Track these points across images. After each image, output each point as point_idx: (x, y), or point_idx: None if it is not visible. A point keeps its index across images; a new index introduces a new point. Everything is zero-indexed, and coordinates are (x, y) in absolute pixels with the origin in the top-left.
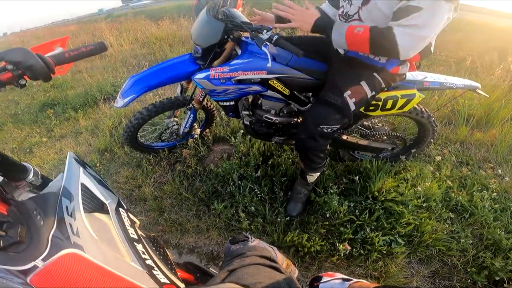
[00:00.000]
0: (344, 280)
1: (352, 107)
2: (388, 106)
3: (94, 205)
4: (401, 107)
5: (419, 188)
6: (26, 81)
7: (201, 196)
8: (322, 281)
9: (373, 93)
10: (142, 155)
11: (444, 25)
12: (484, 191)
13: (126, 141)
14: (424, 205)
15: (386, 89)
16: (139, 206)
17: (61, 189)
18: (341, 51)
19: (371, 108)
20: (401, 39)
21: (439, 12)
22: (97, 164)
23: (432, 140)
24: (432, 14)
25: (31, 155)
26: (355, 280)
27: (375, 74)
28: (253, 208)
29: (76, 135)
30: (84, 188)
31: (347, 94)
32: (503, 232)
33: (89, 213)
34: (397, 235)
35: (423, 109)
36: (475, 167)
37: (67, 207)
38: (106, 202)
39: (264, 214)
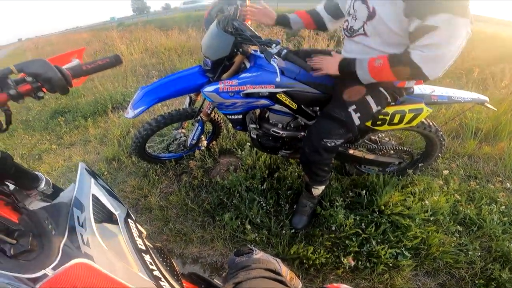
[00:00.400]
0: None
1: (357, 122)
2: (396, 120)
3: (104, 216)
4: (409, 122)
5: (427, 202)
6: (44, 93)
7: (206, 207)
8: None
9: (379, 107)
10: (149, 165)
11: (465, 40)
12: (493, 205)
13: (134, 151)
14: (431, 219)
15: (393, 104)
16: (145, 216)
17: (73, 200)
18: None
19: (379, 122)
20: (421, 62)
21: (457, 28)
22: (105, 173)
23: (440, 154)
24: (450, 32)
25: (40, 162)
26: None
27: (381, 88)
28: (258, 220)
29: (85, 143)
30: (95, 199)
31: (351, 108)
32: (511, 244)
33: (99, 223)
34: (403, 248)
35: (431, 123)
36: (483, 181)
37: (78, 217)
38: (116, 213)
39: (269, 226)
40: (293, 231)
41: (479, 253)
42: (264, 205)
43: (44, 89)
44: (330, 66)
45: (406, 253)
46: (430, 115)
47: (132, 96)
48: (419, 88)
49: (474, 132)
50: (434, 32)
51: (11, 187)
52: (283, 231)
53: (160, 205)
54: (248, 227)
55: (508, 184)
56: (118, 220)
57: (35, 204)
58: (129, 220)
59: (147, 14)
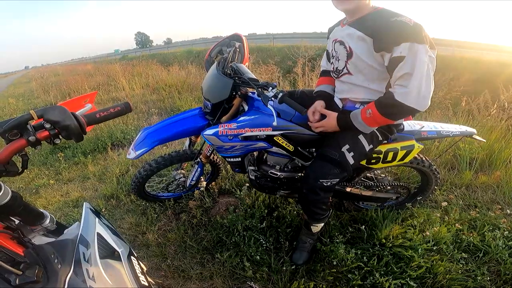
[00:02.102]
0: None
1: (351, 161)
2: (389, 158)
3: (108, 253)
4: (402, 159)
5: (428, 233)
6: (60, 140)
7: (205, 245)
8: None
9: (371, 146)
10: (147, 204)
11: (433, 64)
12: (496, 231)
13: (133, 190)
14: (434, 248)
15: (385, 142)
16: (142, 252)
17: (78, 237)
18: (340, 105)
19: (373, 161)
20: (403, 98)
21: (419, 54)
22: (103, 210)
23: (436, 187)
24: (413, 58)
25: (37, 196)
26: None
27: None
28: (258, 257)
29: (83, 180)
30: (99, 237)
31: (345, 148)
32: None
33: (103, 259)
34: (408, 278)
35: (424, 158)
36: (483, 209)
37: (84, 253)
38: (119, 250)
39: (269, 263)
40: (293, 267)
41: (488, 278)
42: (263, 242)
43: (60, 136)
44: (330, 126)
45: (411, 283)
46: (424, 148)
47: (132, 135)
48: (409, 125)
49: (468, 162)
50: (403, 62)
51: (16, 221)
52: (284, 267)
53: (158, 242)
54: (247, 264)
55: (509, 211)
56: (121, 257)
57: (39, 239)
58: (132, 257)
59: (150, 48)
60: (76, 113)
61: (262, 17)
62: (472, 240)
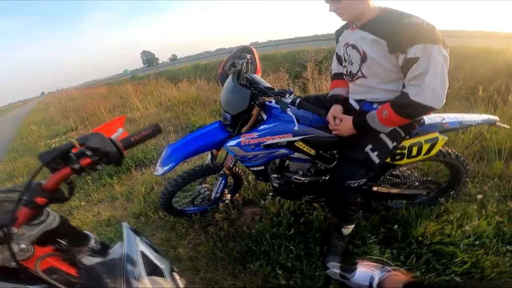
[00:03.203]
0: (382, 268)
1: (376, 160)
2: (414, 153)
3: (152, 270)
4: (427, 152)
5: (467, 228)
6: (102, 166)
7: (236, 256)
8: (359, 265)
9: (395, 143)
10: (175, 219)
11: (447, 63)
12: None
13: (161, 207)
14: (476, 243)
15: (407, 137)
16: (175, 266)
17: (124, 256)
18: (356, 107)
19: (397, 157)
20: (418, 97)
21: (433, 54)
22: (134, 227)
23: (467, 179)
24: (428, 59)
25: (71, 217)
26: (392, 270)
27: None
28: (289, 264)
29: (112, 200)
30: (143, 255)
31: (368, 148)
32: None
33: (149, 276)
34: (453, 274)
35: (450, 151)
36: None
37: (132, 271)
38: (162, 267)
39: (301, 269)
40: (327, 270)
41: None
42: (293, 249)
43: (101, 162)
44: (346, 129)
45: (457, 279)
46: (449, 142)
47: (152, 154)
48: (429, 118)
49: (497, 152)
50: (417, 63)
51: (64, 243)
52: (317, 273)
53: (189, 255)
54: (280, 272)
55: None
56: (164, 273)
57: (86, 259)
58: (174, 272)
59: (157, 66)
60: (112, 137)
61: (262, 25)
62: None
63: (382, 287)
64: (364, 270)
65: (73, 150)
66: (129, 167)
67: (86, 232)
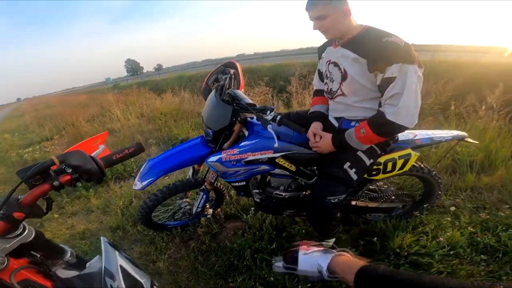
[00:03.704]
0: (324, 251)
1: (354, 177)
2: (389, 168)
3: (132, 284)
4: (401, 168)
5: (441, 239)
6: (82, 183)
7: (217, 270)
8: (300, 253)
9: (371, 160)
10: (155, 233)
11: (420, 83)
12: (510, 230)
13: (140, 221)
14: (451, 253)
15: (383, 154)
16: (155, 280)
17: (103, 270)
18: (336, 124)
19: (374, 172)
20: (394, 117)
21: (408, 75)
22: (110, 241)
23: (440, 192)
24: (404, 79)
25: (42, 229)
26: (337, 252)
27: None
28: (272, 278)
29: (87, 213)
30: (123, 270)
31: (347, 165)
32: None
33: None
34: None
35: (422, 166)
36: (493, 210)
37: (111, 285)
38: (142, 281)
39: (284, 284)
40: (309, 285)
41: None
42: None
43: (81, 179)
44: (326, 147)
45: None
46: (423, 156)
47: (132, 167)
48: (403, 135)
49: (469, 165)
50: (394, 83)
51: (38, 256)
52: (299, 286)
53: (169, 270)
54: (261, 287)
55: None
56: (145, 287)
57: (61, 272)
58: (154, 287)
59: (141, 75)
60: (92, 155)
61: (250, 37)
62: (488, 241)
63: (334, 272)
64: (306, 257)
65: (53, 167)
66: (107, 180)
67: (62, 245)
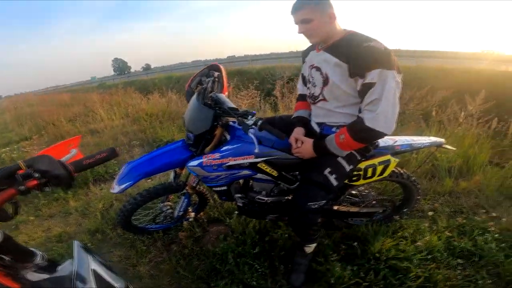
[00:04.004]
0: None
1: (334, 183)
2: (369, 174)
3: None
4: (381, 173)
5: (420, 243)
6: (50, 188)
7: (199, 274)
8: None
9: (351, 166)
10: (135, 236)
11: (399, 89)
12: (486, 234)
13: (119, 224)
14: (429, 257)
15: (363, 159)
16: (135, 284)
17: (74, 274)
18: (317, 129)
19: (354, 178)
20: (372, 123)
21: (387, 80)
22: (88, 244)
23: (419, 197)
24: (383, 84)
25: (17, 232)
26: None
27: None
28: (254, 283)
29: (65, 215)
30: (95, 274)
31: (327, 171)
32: None
33: None
34: None
35: (402, 171)
36: (469, 214)
37: None
38: (116, 286)
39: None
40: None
41: (490, 281)
42: (258, 267)
43: (49, 184)
44: (307, 152)
45: None
46: (404, 161)
47: (114, 168)
48: (383, 141)
49: (448, 170)
50: (373, 88)
51: (7, 259)
52: None
53: (150, 273)
54: None
55: (494, 214)
56: None
57: (31, 275)
58: None
59: (128, 74)
60: (63, 159)
61: (240, 39)
62: (464, 245)
63: None
64: None
65: (20, 171)
66: (87, 182)
67: (32, 249)
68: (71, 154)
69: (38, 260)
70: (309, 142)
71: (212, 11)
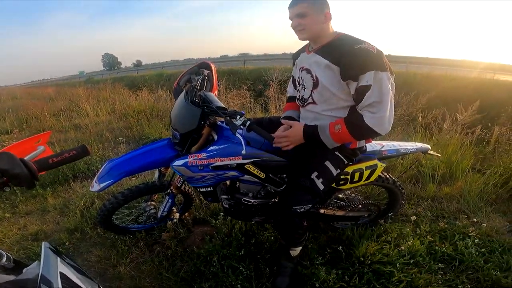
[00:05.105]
0: None
1: (321, 187)
2: (356, 178)
3: None
4: (368, 178)
5: (403, 247)
6: (10, 188)
7: (183, 276)
8: None
9: (338, 170)
10: (116, 236)
11: (393, 90)
12: (467, 239)
13: (100, 224)
14: (411, 262)
15: (350, 164)
16: (114, 285)
17: (40, 277)
18: None
19: (341, 182)
20: (370, 121)
21: (382, 82)
22: (66, 243)
23: (403, 201)
24: (379, 86)
25: None
26: None
27: (337, 153)
28: (239, 285)
29: (42, 213)
30: (63, 277)
31: (314, 175)
32: (498, 272)
33: None
34: None
35: (388, 176)
36: (451, 219)
37: None
38: None
39: None
40: None
41: (469, 286)
42: (243, 270)
43: (9, 184)
44: (295, 136)
45: None
46: (390, 166)
47: (97, 165)
48: (370, 146)
49: (431, 176)
50: (370, 91)
51: None
52: None
53: (131, 274)
54: None
55: (475, 219)
56: None
57: None
58: None
59: (118, 70)
60: (27, 157)
61: (233, 39)
62: (445, 250)
63: None
64: None
65: None
66: (67, 178)
67: None
68: (38, 151)
69: (4, 261)
70: (299, 124)
71: (207, 10)
